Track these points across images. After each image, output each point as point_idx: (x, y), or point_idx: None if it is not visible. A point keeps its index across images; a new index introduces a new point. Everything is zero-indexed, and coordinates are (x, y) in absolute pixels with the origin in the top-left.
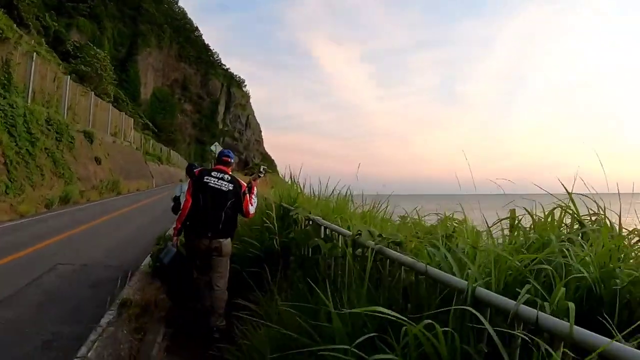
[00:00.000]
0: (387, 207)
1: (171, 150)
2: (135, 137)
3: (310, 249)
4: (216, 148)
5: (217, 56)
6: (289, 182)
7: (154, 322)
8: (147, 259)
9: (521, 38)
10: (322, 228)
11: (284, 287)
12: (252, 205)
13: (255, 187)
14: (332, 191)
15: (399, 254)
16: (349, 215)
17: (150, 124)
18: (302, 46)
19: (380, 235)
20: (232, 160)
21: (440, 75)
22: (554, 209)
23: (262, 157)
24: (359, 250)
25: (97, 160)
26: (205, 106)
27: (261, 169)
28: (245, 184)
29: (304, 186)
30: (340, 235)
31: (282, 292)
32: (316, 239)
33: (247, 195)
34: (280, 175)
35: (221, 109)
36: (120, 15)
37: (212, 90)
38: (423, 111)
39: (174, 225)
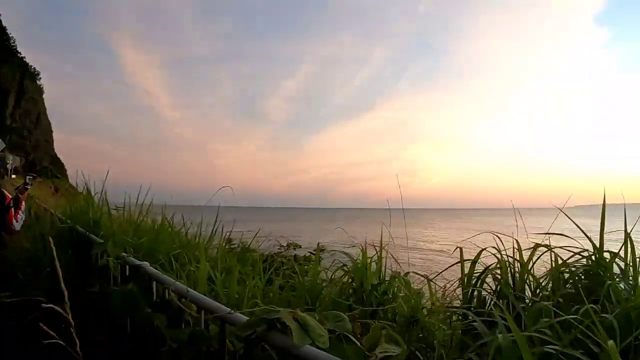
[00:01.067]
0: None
1: None
2: None
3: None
4: None
5: (14, 42)
6: (84, 193)
7: None
8: None
9: (326, 62)
10: (154, 284)
11: None
12: (17, 221)
13: (23, 201)
14: (149, 207)
15: None
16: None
17: None
18: (105, 44)
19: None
20: None
21: (240, 88)
22: (536, 247)
23: (51, 160)
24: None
25: None
26: None
27: (27, 179)
28: (10, 196)
29: (104, 199)
30: (203, 310)
31: None
32: (149, 311)
33: (12, 208)
34: (72, 184)
35: (11, 102)
36: None
37: (2, 80)
38: (222, 122)
39: None
